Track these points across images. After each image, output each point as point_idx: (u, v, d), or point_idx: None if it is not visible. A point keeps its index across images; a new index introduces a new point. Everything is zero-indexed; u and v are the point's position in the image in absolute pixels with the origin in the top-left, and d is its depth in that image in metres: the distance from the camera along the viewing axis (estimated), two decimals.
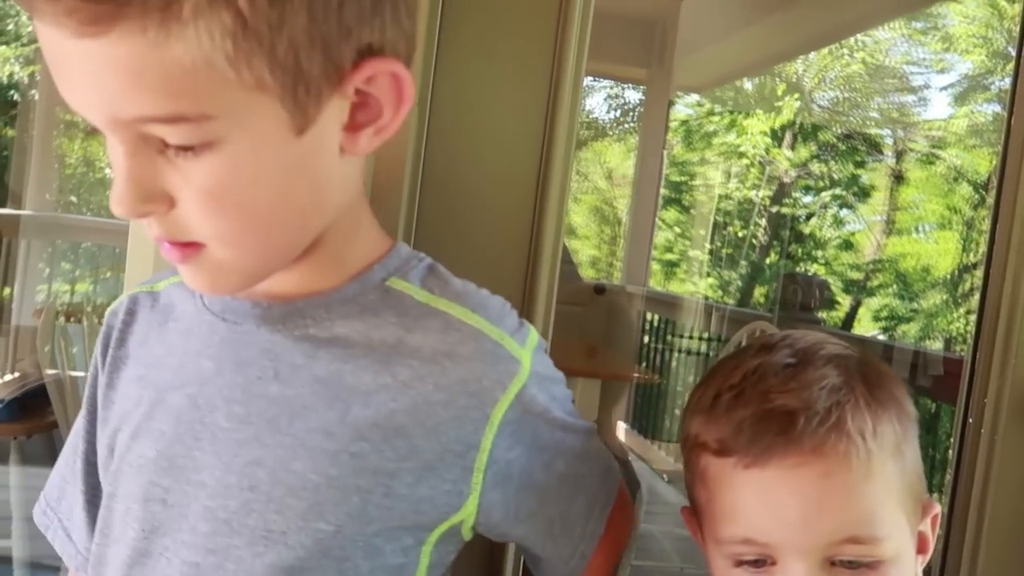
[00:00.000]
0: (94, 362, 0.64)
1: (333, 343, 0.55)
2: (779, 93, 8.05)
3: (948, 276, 7.53)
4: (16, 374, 2.85)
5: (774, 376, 0.57)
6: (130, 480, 0.57)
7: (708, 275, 8.66)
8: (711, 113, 8.87)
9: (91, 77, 0.44)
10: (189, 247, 0.50)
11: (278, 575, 0.52)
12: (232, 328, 0.57)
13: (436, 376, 0.54)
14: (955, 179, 7.45)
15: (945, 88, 7.60)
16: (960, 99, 7.40)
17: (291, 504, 0.52)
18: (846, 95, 8.27)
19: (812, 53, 7.08)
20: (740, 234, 8.85)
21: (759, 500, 0.55)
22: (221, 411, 0.55)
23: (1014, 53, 1.12)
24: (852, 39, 6.60)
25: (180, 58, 0.43)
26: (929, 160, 8.20)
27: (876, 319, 8.39)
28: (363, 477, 0.53)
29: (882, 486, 0.55)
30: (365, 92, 0.51)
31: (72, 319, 2.28)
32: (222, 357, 0.56)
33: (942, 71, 7.40)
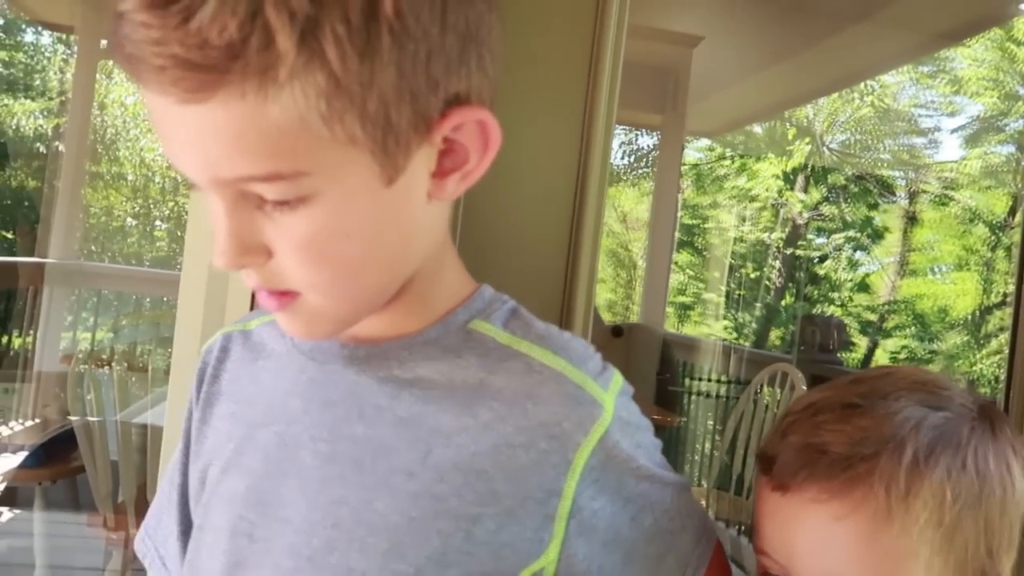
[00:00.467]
0: (189, 398, 0.66)
1: (416, 384, 0.56)
2: (790, 137, 8.11)
3: (968, 317, 7.47)
4: (38, 420, 2.87)
5: (830, 412, 0.57)
6: (219, 513, 0.58)
7: (724, 317, 8.63)
8: (722, 157, 8.94)
9: (194, 140, 0.46)
10: (286, 295, 0.52)
11: None
12: (320, 368, 0.58)
13: (517, 418, 0.53)
14: (971, 220, 7.45)
15: (956, 130, 7.65)
16: (972, 141, 7.43)
17: (372, 544, 0.52)
18: (857, 138, 8.33)
19: (822, 98, 7.14)
20: (754, 276, 8.84)
21: (775, 522, 0.58)
22: (308, 449, 0.56)
23: None
24: (861, 84, 6.66)
25: (277, 119, 0.45)
26: (942, 201, 8.21)
27: (894, 360, 8.32)
28: (443, 520, 0.52)
29: (903, 545, 0.54)
30: (452, 139, 0.52)
31: (98, 365, 2.31)
32: (310, 396, 0.58)
33: (952, 114, 7.44)
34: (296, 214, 0.48)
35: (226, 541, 0.56)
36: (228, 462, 0.59)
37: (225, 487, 0.58)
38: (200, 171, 0.48)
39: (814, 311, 8.44)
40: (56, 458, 2.20)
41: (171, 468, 0.67)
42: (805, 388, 2.67)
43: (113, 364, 2.21)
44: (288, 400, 0.58)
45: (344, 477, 0.54)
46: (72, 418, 2.10)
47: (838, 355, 4.88)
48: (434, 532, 0.52)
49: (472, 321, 0.58)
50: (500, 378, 0.55)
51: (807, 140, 8.13)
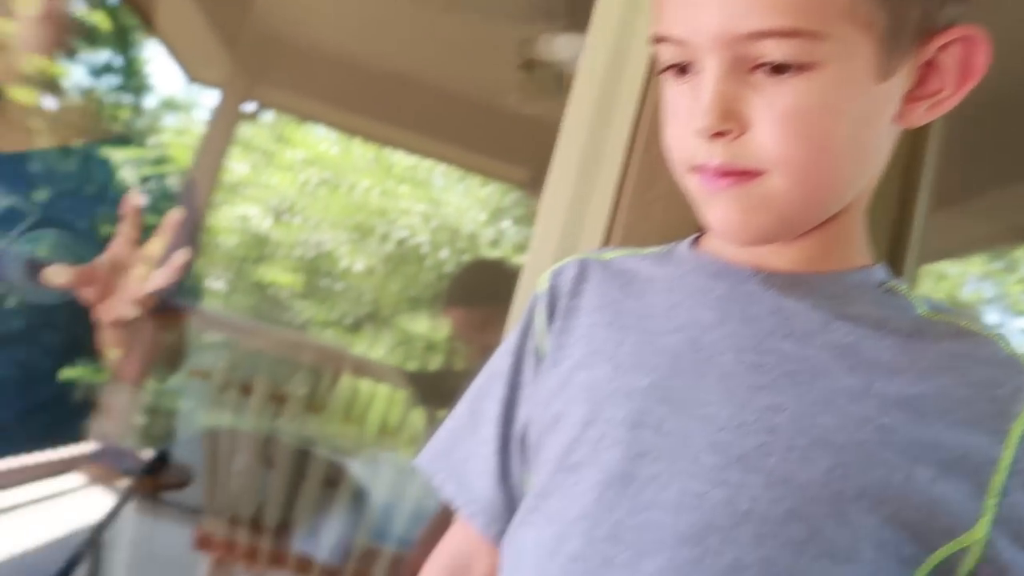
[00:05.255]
0: (526, 319, 0.66)
1: (845, 317, 0.55)
2: None
3: None
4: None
5: None
6: (612, 406, 0.57)
7: None
8: None
9: None
10: (745, 175, 0.52)
11: (793, 525, 0.50)
12: (733, 288, 0.58)
13: (956, 374, 0.53)
14: None
15: None
16: None
17: (815, 457, 0.51)
18: None
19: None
20: None
21: None
22: (729, 355, 0.55)
23: None
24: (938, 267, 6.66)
25: None
26: None
27: None
28: (889, 452, 0.51)
29: None
30: (933, 63, 0.53)
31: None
32: (724, 310, 0.57)
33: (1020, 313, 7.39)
34: (790, 83, 0.50)
35: (624, 432, 0.55)
36: (622, 361, 0.58)
37: (620, 383, 0.57)
38: (714, 24, 0.50)
39: None
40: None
41: (479, 390, 0.67)
42: None
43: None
44: (696, 311, 0.58)
45: (778, 387, 0.53)
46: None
47: None
48: (880, 462, 0.51)
49: (890, 283, 0.58)
50: (930, 338, 0.54)
51: None
